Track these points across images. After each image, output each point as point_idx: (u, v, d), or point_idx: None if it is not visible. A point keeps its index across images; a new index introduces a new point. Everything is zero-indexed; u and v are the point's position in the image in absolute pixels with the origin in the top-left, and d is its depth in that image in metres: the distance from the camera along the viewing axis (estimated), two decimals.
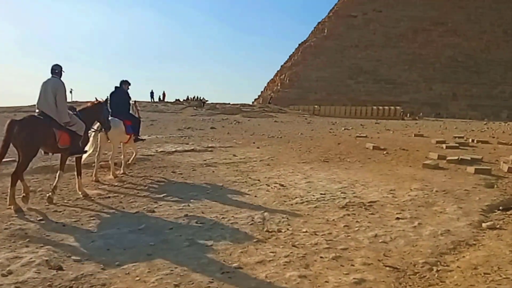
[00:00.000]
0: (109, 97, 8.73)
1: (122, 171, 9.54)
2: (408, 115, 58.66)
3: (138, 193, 7.56)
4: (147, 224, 5.51)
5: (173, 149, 13.78)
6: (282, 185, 8.53)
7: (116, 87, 9.57)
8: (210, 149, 14.35)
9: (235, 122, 32.12)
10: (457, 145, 16.22)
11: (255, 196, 7.43)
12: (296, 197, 7.35)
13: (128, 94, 9.72)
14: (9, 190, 6.14)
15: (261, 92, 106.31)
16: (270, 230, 5.30)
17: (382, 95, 77.89)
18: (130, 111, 9.79)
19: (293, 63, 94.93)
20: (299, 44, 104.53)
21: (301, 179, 9.25)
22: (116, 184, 8.51)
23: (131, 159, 10.40)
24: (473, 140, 18.23)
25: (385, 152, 13.88)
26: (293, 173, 10.07)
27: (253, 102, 79.61)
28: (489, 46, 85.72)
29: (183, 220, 5.80)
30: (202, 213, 6.17)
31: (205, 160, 11.88)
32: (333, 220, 5.92)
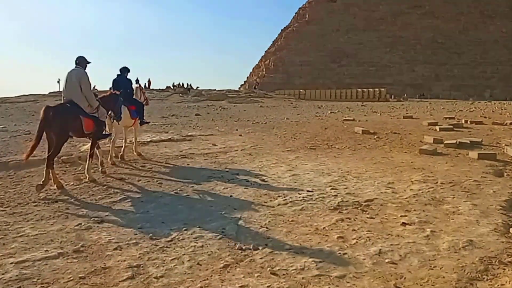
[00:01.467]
0: (112, 83, 9.45)
1: (136, 152, 9.93)
2: (393, 96, 57.86)
3: (86, 198, 6.24)
4: (84, 244, 4.26)
5: (149, 139, 12.47)
6: (263, 180, 7.34)
7: (118, 75, 9.71)
8: (189, 138, 13.06)
9: (220, 108, 30.77)
10: (451, 126, 15.21)
11: (231, 196, 6.21)
12: (278, 196, 6.15)
13: (130, 80, 9.88)
14: (44, 172, 6.61)
15: (247, 77, 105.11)
16: (243, 248, 4.09)
17: (366, 78, 77.33)
18: (134, 96, 9.96)
19: (276, 48, 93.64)
20: (281, 30, 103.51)
21: (285, 172, 8.06)
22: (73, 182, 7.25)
23: (134, 146, 10.15)
24: (466, 121, 17.26)
25: (375, 137, 12.78)
26: (277, 164, 8.88)
27: (239, 88, 78.07)
28: (467, 27, 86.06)
29: (135, 235, 4.53)
30: (162, 222, 4.91)
31: (181, 151, 10.62)
32: (324, 228, 4.72)
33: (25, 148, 6.60)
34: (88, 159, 7.53)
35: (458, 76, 78.97)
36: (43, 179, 6.59)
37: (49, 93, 42.47)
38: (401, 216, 5.19)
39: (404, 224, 4.85)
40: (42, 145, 7.01)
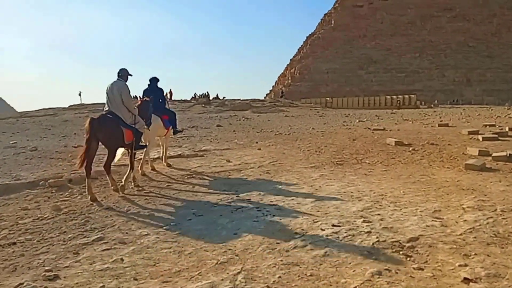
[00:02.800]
0: (143, 93, 9.48)
1: (165, 163, 10.05)
2: (423, 103, 55.50)
3: (54, 237, 5.07)
4: None
5: (157, 155, 11.40)
6: (279, 209, 6.08)
7: (148, 84, 9.69)
8: (201, 153, 11.94)
9: (243, 118, 29.67)
10: (494, 135, 13.53)
11: (235, 234, 4.96)
12: (296, 234, 4.86)
13: (161, 89, 9.86)
14: (109, 179, 7.36)
15: (273, 86, 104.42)
16: None
17: (394, 84, 75.10)
18: (166, 106, 9.97)
19: (302, 56, 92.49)
20: (307, 37, 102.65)
21: (307, 196, 6.78)
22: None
23: (164, 156, 10.20)
24: (510, 129, 15.49)
25: (411, 149, 11.32)
26: (297, 186, 7.61)
27: (265, 97, 77.11)
28: (500, 29, 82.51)
29: None
30: (135, 279, 3.70)
31: (189, 170, 9.49)
32: None
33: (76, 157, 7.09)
34: (128, 170, 7.75)
35: (490, 80, 75.47)
36: (112, 186, 7.34)
37: (69, 106, 41.98)
38: (459, 265, 3.83)
39: (467, 281, 3.50)
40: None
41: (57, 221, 5.92)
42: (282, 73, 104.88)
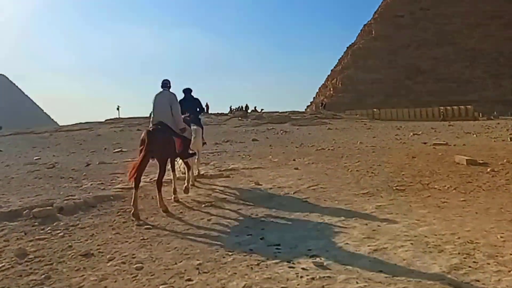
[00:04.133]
0: (180, 103, 8.32)
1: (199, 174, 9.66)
2: (481, 114, 51.34)
3: None
4: None
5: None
6: (321, 266, 4.10)
7: (184, 95, 9.19)
8: (228, 173, 10.13)
9: (281, 132, 27.71)
10: None
11: None
12: None
13: (198, 99, 9.43)
14: (158, 196, 6.70)
15: (313, 98, 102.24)
16: None
17: (446, 95, 70.59)
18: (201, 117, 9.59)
19: (343, 66, 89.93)
20: (347, 47, 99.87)
21: (361, 243, 4.75)
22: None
23: (197, 168, 9.72)
24: None
25: (489, 170, 8.99)
26: (346, 223, 5.58)
27: (305, 109, 74.86)
28: None
29: None
30: None
31: (207, 197, 7.66)
32: None
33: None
34: (187, 174, 8.06)
35: None
36: (160, 207, 6.66)
37: (105, 120, 41.14)
38: None
39: None
40: None
41: (9, 275, 4.25)
42: (323, 84, 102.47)
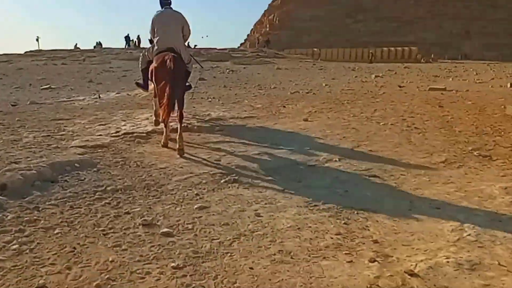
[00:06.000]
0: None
1: None
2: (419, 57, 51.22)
3: None
4: None
5: (131, 130, 6.76)
6: None
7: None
8: (215, 124, 7.33)
9: (228, 71, 24.48)
10: None
11: None
12: None
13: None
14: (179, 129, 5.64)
15: (248, 35, 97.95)
16: None
17: (385, 36, 69.30)
18: None
19: (283, 1, 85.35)
20: None
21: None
22: None
23: None
24: None
25: None
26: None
27: (238, 47, 70.93)
28: None
29: None
30: None
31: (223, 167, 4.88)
32: None
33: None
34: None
35: (492, 33, 70.66)
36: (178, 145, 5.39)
37: (25, 52, 37.05)
38: None
39: None
40: None
41: None
42: (259, 20, 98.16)
